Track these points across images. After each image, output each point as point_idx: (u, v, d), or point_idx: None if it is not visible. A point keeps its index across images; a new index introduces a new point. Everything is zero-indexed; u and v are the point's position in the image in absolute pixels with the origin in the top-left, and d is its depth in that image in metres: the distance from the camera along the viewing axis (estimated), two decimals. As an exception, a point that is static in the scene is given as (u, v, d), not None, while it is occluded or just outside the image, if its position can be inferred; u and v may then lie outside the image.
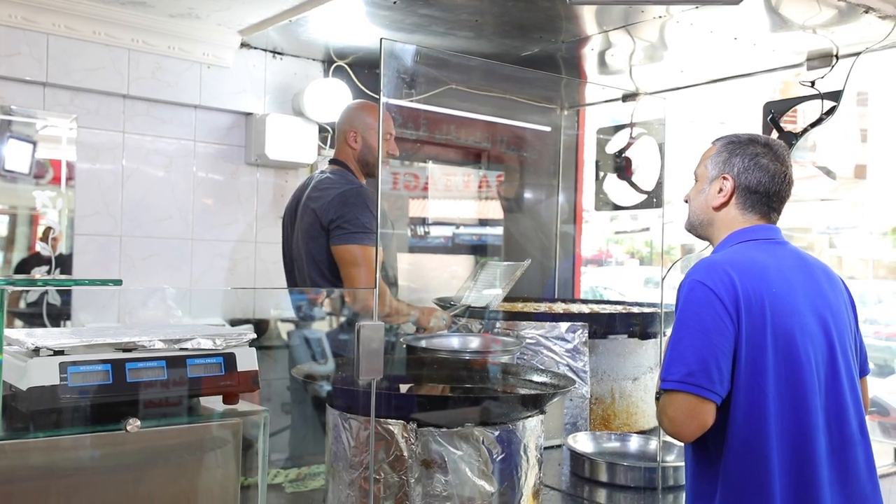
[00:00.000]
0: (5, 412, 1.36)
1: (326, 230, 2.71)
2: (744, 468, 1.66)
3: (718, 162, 1.86)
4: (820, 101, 3.02)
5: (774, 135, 3.13)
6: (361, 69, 3.61)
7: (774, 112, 3.12)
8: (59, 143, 3.11)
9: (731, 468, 1.67)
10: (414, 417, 1.79)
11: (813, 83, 3.05)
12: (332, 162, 2.93)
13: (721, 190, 1.85)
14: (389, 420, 1.79)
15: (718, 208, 1.86)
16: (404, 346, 2.64)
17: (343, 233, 2.67)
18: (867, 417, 1.86)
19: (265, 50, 3.53)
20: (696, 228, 1.94)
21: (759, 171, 1.82)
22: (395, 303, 2.86)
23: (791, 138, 2.98)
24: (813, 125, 3.02)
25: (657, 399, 1.73)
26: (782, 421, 1.66)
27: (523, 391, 2.19)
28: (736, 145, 1.85)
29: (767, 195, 1.83)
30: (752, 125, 3.28)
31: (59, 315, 3.03)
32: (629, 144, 3.75)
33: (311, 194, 2.81)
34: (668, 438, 2.23)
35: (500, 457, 1.85)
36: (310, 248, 2.77)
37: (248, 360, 1.62)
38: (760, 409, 1.66)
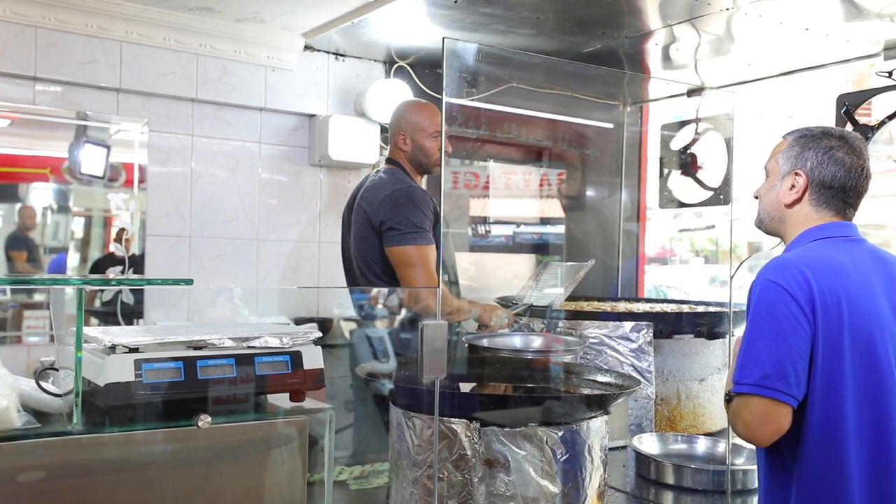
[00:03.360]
0: (84, 407, 1.41)
1: (377, 231, 2.71)
2: (820, 474, 1.60)
3: (790, 157, 1.79)
4: (899, 92, 2.90)
5: (849, 128, 3.01)
6: (422, 69, 3.62)
7: (849, 104, 3.00)
8: (132, 146, 3.22)
9: (807, 474, 1.62)
10: (477, 417, 1.79)
11: (890, 73, 2.93)
12: (387, 161, 2.93)
13: (793, 186, 1.78)
14: (453, 419, 1.79)
15: (791, 205, 1.79)
16: (466, 344, 2.64)
17: (396, 234, 2.66)
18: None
19: (328, 52, 3.58)
20: (767, 225, 1.87)
21: (834, 165, 1.74)
22: (455, 301, 2.85)
23: (866, 131, 2.86)
24: (890, 117, 2.90)
25: (727, 401, 1.68)
26: (861, 425, 1.60)
27: (587, 391, 2.16)
28: (809, 139, 1.78)
29: (843, 190, 1.75)
30: (824, 118, 3.17)
31: (132, 313, 3.13)
32: (694, 140, 3.67)
33: (364, 194, 2.82)
34: (738, 441, 2.18)
35: (564, 457, 1.83)
36: (361, 247, 2.79)
37: (313, 359, 1.64)
38: (837, 414, 1.60)
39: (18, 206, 3.09)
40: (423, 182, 2.92)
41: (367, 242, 2.76)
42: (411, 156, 2.83)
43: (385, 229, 2.68)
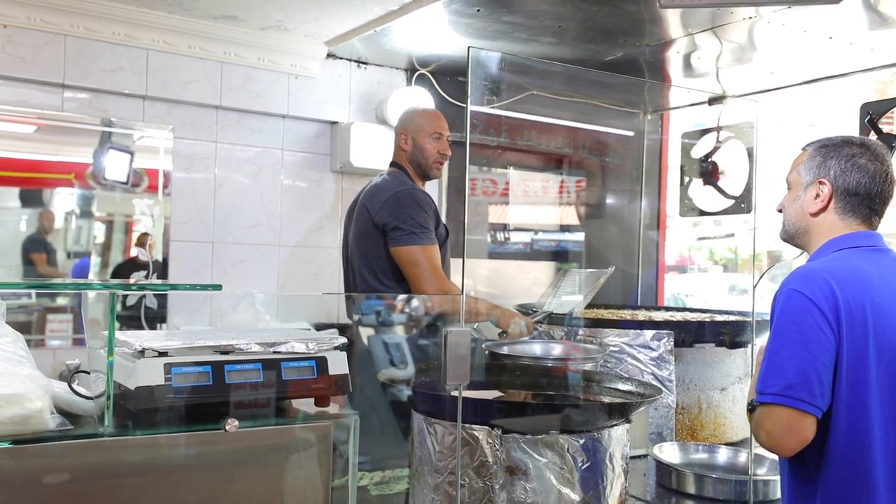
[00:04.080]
0: (115, 410, 1.43)
1: (382, 232, 2.74)
2: (846, 485, 1.59)
3: (812, 167, 1.79)
4: (923, 101, 2.88)
5: (872, 136, 2.99)
6: (444, 77, 3.64)
7: (872, 113, 2.98)
8: (156, 153, 3.26)
9: (832, 485, 1.61)
10: (498, 424, 1.80)
11: (915, 82, 2.91)
12: (391, 165, 2.97)
13: (818, 195, 1.77)
14: (474, 426, 1.79)
15: (816, 214, 1.79)
16: (486, 352, 2.65)
17: (401, 234, 2.69)
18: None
19: (350, 60, 3.61)
20: (793, 237, 1.86)
21: (858, 171, 1.74)
22: (473, 302, 2.86)
23: (891, 140, 2.84)
24: (915, 126, 2.88)
25: (749, 411, 1.68)
26: (887, 436, 1.59)
27: (608, 399, 2.16)
28: (830, 148, 1.78)
29: (869, 196, 1.74)
30: (847, 127, 3.14)
31: (155, 318, 3.16)
32: (716, 148, 3.66)
33: (367, 195, 2.85)
34: (760, 451, 2.16)
35: (585, 465, 1.83)
36: (362, 246, 2.81)
37: (339, 364, 1.66)
38: (863, 425, 1.59)
39: (42, 211, 3.14)
40: (425, 187, 2.94)
41: (369, 241, 2.78)
42: (412, 156, 2.87)
43: (390, 229, 2.71)
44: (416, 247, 2.69)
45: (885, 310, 1.63)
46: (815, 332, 1.59)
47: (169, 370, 1.45)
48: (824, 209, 1.78)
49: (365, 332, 3.43)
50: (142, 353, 1.49)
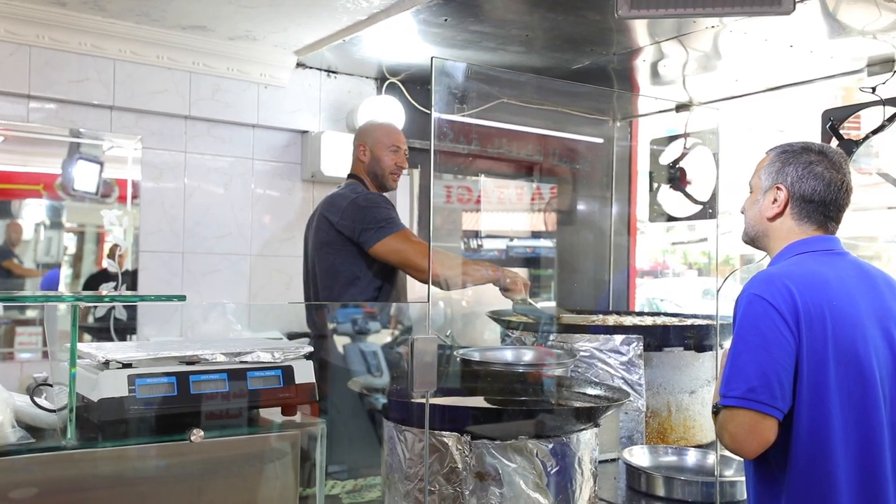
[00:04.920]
0: (78, 423, 1.43)
1: (350, 240, 2.79)
2: (809, 485, 1.62)
3: (772, 172, 1.83)
4: (882, 107, 2.95)
5: (834, 143, 3.06)
6: (414, 85, 3.66)
7: (833, 119, 3.05)
8: (125, 163, 3.24)
9: (796, 485, 1.63)
10: (468, 430, 1.81)
11: (874, 89, 2.98)
12: (348, 177, 3.02)
13: (775, 200, 1.81)
14: (444, 432, 1.80)
15: (773, 219, 1.83)
16: (458, 359, 2.66)
17: (371, 233, 2.75)
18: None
19: (320, 69, 3.62)
20: (753, 240, 1.90)
21: (814, 179, 1.78)
22: (475, 263, 2.96)
23: (851, 146, 2.91)
24: (875, 132, 2.94)
25: (714, 413, 1.70)
26: (847, 436, 1.62)
27: (577, 404, 2.18)
28: (789, 154, 1.82)
29: (823, 204, 1.78)
30: (812, 133, 3.22)
31: (125, 329, 3.14)
32: (683, 155, 3.71)
33: (325, 207, 2.91)
34: (727, 453, 2.19)
35: (554, 470, 1.84)
36: (327, 256, 2.85)
37: (305, 373, 1.66)
38: (824, 425, 1.62)
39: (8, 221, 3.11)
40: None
41: (332, 248, 2.82)
42: (369, 167, 2.94)
43: (359, 234, 2.77)
44: (389, 237, 2.76)
45: (842, 312, 1.66)
46: (776, 336, 1.62)
47: (133, 381, 1.45)
48: (780, 214, 1.82)
49: (339, 341, 3.43)
50: (106, 364, 1.48)
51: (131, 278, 3.22)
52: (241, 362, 1.60)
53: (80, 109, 3.12)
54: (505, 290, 2.88)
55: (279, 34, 3.16)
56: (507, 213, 4.59)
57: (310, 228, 3.00)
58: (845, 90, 3.59)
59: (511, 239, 4.55)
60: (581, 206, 4.44)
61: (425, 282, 2.83)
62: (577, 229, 4.42)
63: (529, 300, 2.95)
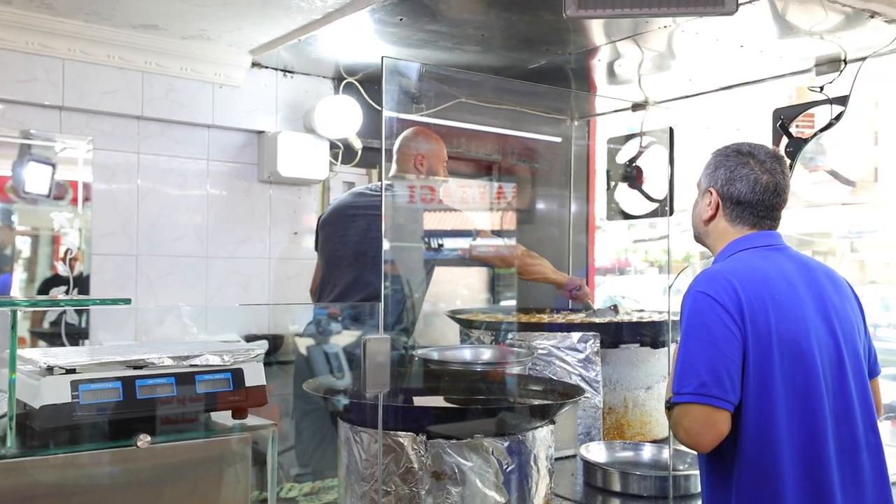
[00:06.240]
0: (20, 430, 1.39)
1: None
2: (756, 475, 1.66)
3: (707, 174, 1.89)
4: (829, 106, 3.01)
5: (784, 141, 3.12)
6: (371, 85, 3.65)
7: (784, 118, 3.11)
8: (77, 164, 3.18)
9: (744, 476, 1.67)
10: (424, 429, 1.81)
11: (822, 88, 3.04)
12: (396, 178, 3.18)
13: (709, 203, 1.87)
14: (399, 432, 1.80)
15: (708, 221, 1.89)
16: (416, 358, 2.66)
17: None
18: (886, 422, 1.84)
19: (276, 69, 3.58)
20: (697, 239, 1.96)
21: (740, 181, 1.82)
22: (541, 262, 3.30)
23: (799, 144, 2.97)
24: (822, 130, 3.01)
25: (668, 409, 1.73)
26: (791, 426, 1.66)
27: (532, 402, 2.20)
28: (721, 157, 1.87)
29: (752, 205, 1.83)
30: (765, 132, 3.28)
31: (78, 334, 3.08)
32: (639, 153, 3.75)
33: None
34: (680, 447, 2.23)
35: (510, 467, 1.85)
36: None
37: (256, 376, 1.65)
38: (770, 415, 1.66)
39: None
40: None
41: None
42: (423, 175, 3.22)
43: None
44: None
45: (784, 304, 1.71)
46: (722, 330, 1.66)
47: (76, 387, 1.42)
48: (714, 216, 1.87)
49: (302, 343, 3.41)
50: (49, 370, 1.45)
51: (84, 282, 3.15)
52: (190, 366, 1.58)
53: (29, 110, 3.05)
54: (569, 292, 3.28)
55: (234, 33, 3.13)
56: (470, 212, 4.60)
57: (337, 225, 3.17)
58: (798, 89, 3.66)
59: (474, 238, 4.55)
60: (540, 205, 4.46)
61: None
62: (537, 228, 4.44)
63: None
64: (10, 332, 1.35)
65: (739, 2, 2.06)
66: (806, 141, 2.95)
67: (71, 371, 1.45)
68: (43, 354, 1.54)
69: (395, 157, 3.21)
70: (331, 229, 3.24)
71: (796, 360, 1.68)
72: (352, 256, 3.13)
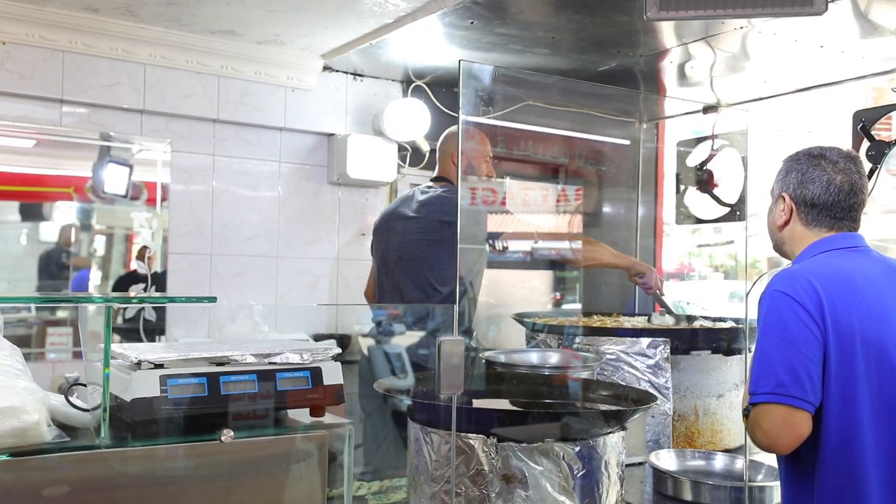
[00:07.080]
0: (110, 422, 1.45)
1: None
2: (839, 480, 1.61)
3: (779, 180, 1.86)
4: (914, 107, 2.89)
5: (865, 144, 3.01)
6: (439, 88, 3.67)
7: (865, 120, 3.00)
8: (155, 166, 3.29)
9: (827, 480, 1.63)
10: (494, 432, 1.81)
11: (905, 89, 2.93)
12: (438, 179, 3.16)
13: (783, 208, 1.83)
14: (470, 434, 1.80)
15: (783, 226, 1.85)
16: (483, 361, 2.66)
17: None
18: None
19: (346, 72, 3.64)
20: (775, 247, 1.93)
21: (812, 183, 1.78)
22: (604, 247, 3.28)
23: (883, 147, 2.86)
24: (907, 133, 2.90)
25: (745, 415, 1.69)
26: (878, 429, 1.61)
27: (604, 407, 2.18)
28: (792, 161, 1.84)
29: (827, 207, 1.78)
30: (842, 134, 3.17)
31: (154, 330, 3.17)
32: (711, 157, 3.67)
33: (434, 211, 3.06)
34: (756, 457, 2.18)
35: (580, 473, 1.84)
36: (438, 255, 3.01)
37: (333, 374, 1.67)
38: (854, 419, 1.61)
39: (42, 224, 3.16)
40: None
41: (443, 247, 3.01)
42: (463, 173, 3.12)
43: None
44: None
45: (869, 307, 1.65)
46: (801, 330, 1.62)
47: (165, 382, 1.47)
48: (788, 222, 1.83)
49: (366, 343, 3.45)
50: (138, 365, 1.50)
51: (160, 280, 3.25)
52: (271, 363, 1.61)
53: (111, 113, 3.17)
54: (640, 279, 3.23)
55: (306, 38, 3.19)
56: (533, 215, 4.58)
57: (391, 231, 3.14)
58: (876, 91, 3.53)
59: (537, 241, 4.53)
60: (607, 209, 4.41)
61: None
62: (603, 231, 4.39)
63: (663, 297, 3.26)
64: (104, 327, 1.41)
65: (828, 1, 2.00)
66: (889, 144, 2.85)
67: (159, 366, 1.50)
68: (130, 349, 1.60)
69: (437, 156, 3.24)
70: (381, 235, 3.26)
71: (881, 363, 1.63)
72: (396, 261, 3.13)
